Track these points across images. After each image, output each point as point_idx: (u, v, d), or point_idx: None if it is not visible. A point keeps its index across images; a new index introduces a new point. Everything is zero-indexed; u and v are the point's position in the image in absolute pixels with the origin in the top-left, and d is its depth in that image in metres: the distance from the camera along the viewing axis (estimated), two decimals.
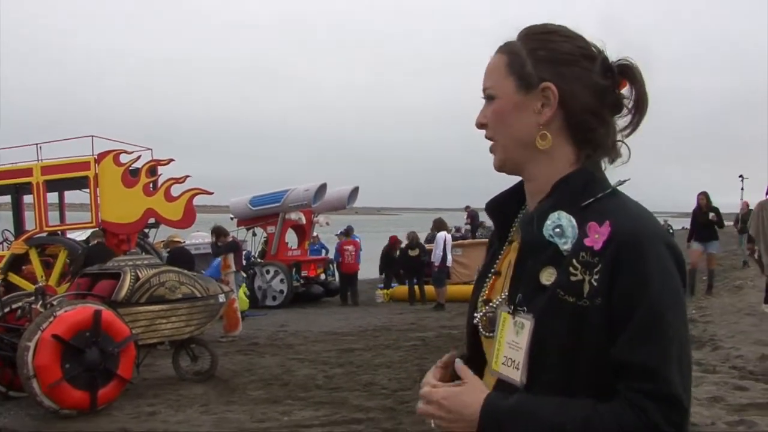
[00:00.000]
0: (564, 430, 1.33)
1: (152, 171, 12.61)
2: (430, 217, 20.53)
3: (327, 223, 21.31)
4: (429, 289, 17.87)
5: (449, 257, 17.15)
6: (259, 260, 19.33)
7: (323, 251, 22.08)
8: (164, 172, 12.84)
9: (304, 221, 19.76)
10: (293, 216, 19.35)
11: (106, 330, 7.97)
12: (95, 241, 12.15)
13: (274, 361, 10.55)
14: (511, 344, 1.46)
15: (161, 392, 8.75)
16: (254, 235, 20.63)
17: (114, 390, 8.08)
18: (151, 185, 12.45)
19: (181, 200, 12.26)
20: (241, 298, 14.54)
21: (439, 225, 17.84)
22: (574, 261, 1.40)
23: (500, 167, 1.58)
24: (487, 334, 1.59)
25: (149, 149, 13.72)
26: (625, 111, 1.53)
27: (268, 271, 18.43)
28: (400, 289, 19.24)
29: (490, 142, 1.58)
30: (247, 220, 19.91)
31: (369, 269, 22.41)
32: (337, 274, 20.61)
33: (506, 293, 1.54)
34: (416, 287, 18.39)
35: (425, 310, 16.75)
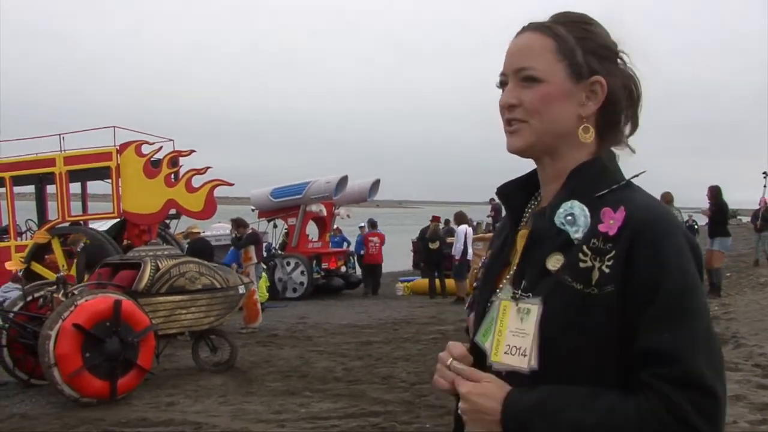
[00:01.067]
0: (585, 425, 1.29)
1: (174, 162, 12.65)
2: (452, 210, 20.49)
3: (348, 216, 21.32)
4: (449, 282, 17.83)
5: (470, 250, 17.08)
6: (279, 252, 19.39)
7: (344, 243, 22.12)
8: (185, 163, 12.88)
9: (325, 213, 19.79)
10: (314, 208, 19.36)
11: (126, 320, 8.03)
12: (82, 243, 12.11)
13: (293, 353, 10.57)
14: (515, 332, 1.42)
15: (180, 382, 8.80)
16: (275, 226, 20.68)
17: (134, 379, 8.15)
18: (172, 176, 12.49)
19: (202, 191, 12.29)
20: (261, 290, 14.58)
21: (460, 218, 17.80)
22: (585, 247, 1.38)
23: (523, 150, 1.51)
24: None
25: (171, 140, 13.77)
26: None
27: (288, 263, 18.46)
28: (421, 283, 19.22)
29: (516, 122, 1.50)
30: (268, 212, 19.94)
31: (389, 262, 22.45)
32: (358, 266, 20.75)
33: (509, 280, 1.50)
34: (437, 280, 18.36)
35: (445, 303, 16.72)
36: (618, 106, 1.49)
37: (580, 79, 1.47)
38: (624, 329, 1.33)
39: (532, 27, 1.51)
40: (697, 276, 1.37)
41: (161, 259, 9.07)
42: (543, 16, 1.55)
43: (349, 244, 22.22)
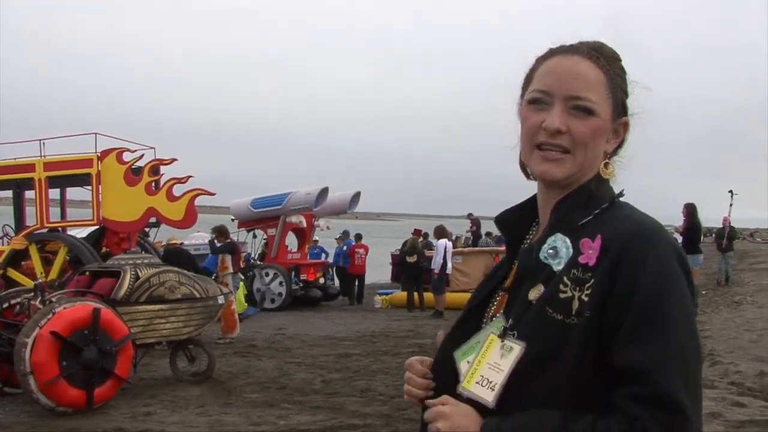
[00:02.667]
0: None
1: (155, 170, 12.59)
2: (430, 223, 20.57)
3: (328, 227, 21.34)
4: (428, 296, 17.84)
5: (449, 265, 17.11)
6: (258, 262, 19.34)
7: (323, 255, 22.15)
8: (167, 172, 12.82)
9: (304, 225, 19.78)
10: (294, 219, 19.36)
11: (104, 328, 7.96)
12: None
13: (271, 364, 10.53)
14: (492, 365, 1.43)
15: (158, 392, 8.74)
16: (254, 237, 20.64)
17: (111, 389, 8.07)
18: (153, 184, 12.43)
19: (183, 200, 12.23)
20: (239, 300, 14.52)
21: (440, 232, 17.79)
22: (565, 278, 1.39)
23: (562, 179, 1.50)
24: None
25: (152, 148, 13.69)
26: None
27: (267, 274, 18.41)
28: (399, 296, 19.21)
29: (557, 150, 1.48)
30: (248, 222, 19.91)
31: (368, 275, 22.59)
32: (337, 278, 20.87)
33: (502, 312, 1.52)
34: (415, 294, 18.35)
35: (424, 317, 16.71)
36: (625, 141, 1.55)
37: (616, 119, 1.51)
38: (602, 354, 1.33)
39: (584, 53, 1.50)
40: (681, 283, 1.36)
41: (141, 268, 9.01)
42: (557, 36, 1.54)
43: (327, 255, 22.26)
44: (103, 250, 12.71)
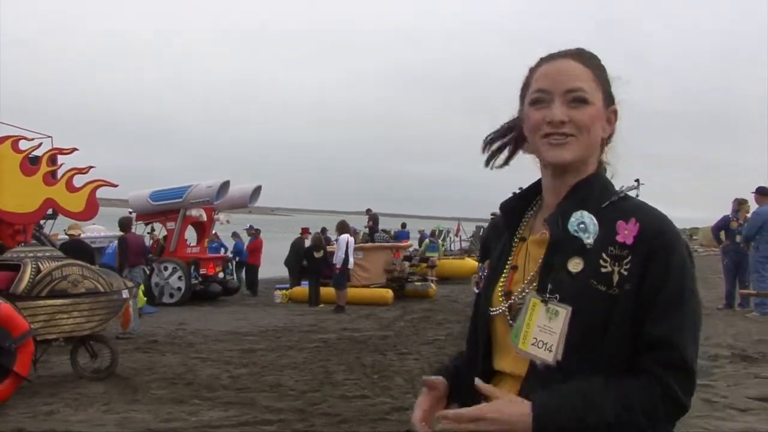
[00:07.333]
0: (605, 414, 1.51)
1: (53, 160, 12.08)
2: (326, 218, 20.79)
3: (227, 221, 21.11)
4: (327, 290, 17.89)
5: (351, 260, 17.18)
6: (154, 258, 18.91)
7: (222, 249, 21.90)
8: (67, 162, 12.32)
9: (204, 218, 19.47)
10: (194, 212, 19.03)
11: (3, 324, 7.64)
12: None
13: (175, 359, 10.36)
14: (543, 328, 1.61)
15: (58, 390, 8.45)
16: (153, 230, 20.19)
17: (9, 388, 7.74)
18: (51, 174, 11.92)
19: (84, 191, 11.79)
20: (138, 295, 14.18)
21: (341, 228, 17.85)
22: (604, 255, 1.60)
23: (570, 162, 1.69)
24: (513, 322, 1.71)
25: (49, 137, 13.12)
26: None
27: (165, 268, 18.06)
28: (299, 290, 19.17)
29: (565, 136, 1.67)
30: (147, 215, 19.45)
31: (265, 269, 22.57)
32: (236, 273, 20.75)
33: (533, 283, 1.69)
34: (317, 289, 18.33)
35: (325, 311, 16.73)
36: (616, 128, 1.76)
37: (608, 106, 1.74)
38: (635, 320, 1.57)
39: (569, 55, 1.73)
40: (693, 275, 1.62)
41: (42, 261, 8.67)
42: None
43: (226, 249, 22.04)
44: None
